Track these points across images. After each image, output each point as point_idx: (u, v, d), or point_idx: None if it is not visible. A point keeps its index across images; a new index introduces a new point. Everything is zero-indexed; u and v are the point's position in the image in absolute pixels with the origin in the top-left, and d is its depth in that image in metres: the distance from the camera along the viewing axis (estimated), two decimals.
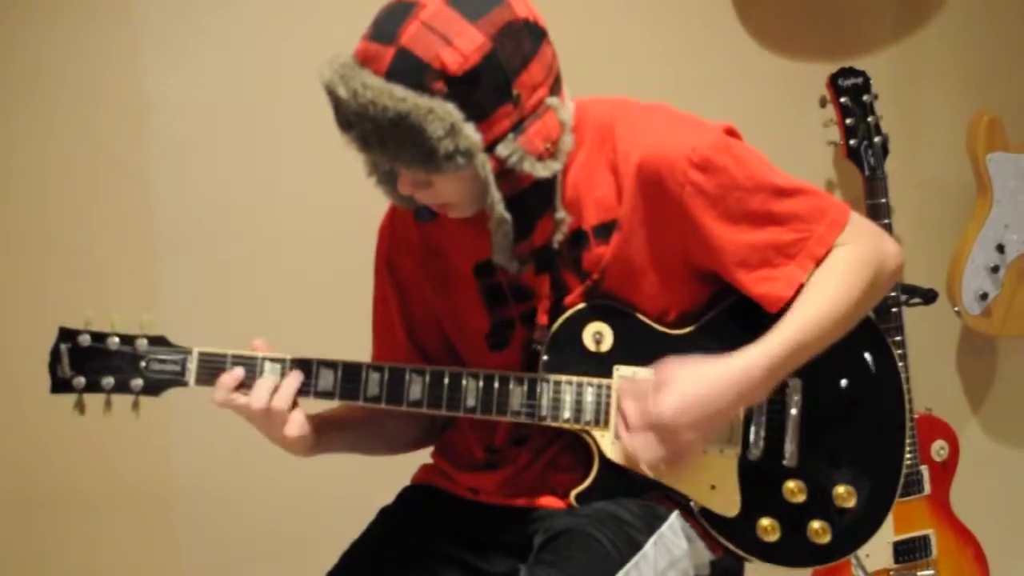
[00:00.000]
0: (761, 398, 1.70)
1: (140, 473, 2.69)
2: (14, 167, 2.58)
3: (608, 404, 1.73)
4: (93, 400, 1.71)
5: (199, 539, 2.73)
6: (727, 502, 1.75)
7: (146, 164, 2.62)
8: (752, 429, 1.76)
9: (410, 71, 1.50)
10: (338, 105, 1.54)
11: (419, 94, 1.50)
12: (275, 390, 1.68)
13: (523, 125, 1.57)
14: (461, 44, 1.51)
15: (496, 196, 1.58)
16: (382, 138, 1.53)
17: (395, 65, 1.51)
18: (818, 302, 1.68)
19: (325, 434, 1.77)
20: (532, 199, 1.64)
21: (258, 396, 1.68)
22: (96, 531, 2.68)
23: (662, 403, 1.61)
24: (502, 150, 1.56)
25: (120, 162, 2.60)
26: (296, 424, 1.70)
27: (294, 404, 1.70)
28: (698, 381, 1.62)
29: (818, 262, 1.70)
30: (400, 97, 1.50)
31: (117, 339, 1.70)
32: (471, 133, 1.52)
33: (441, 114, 1.50)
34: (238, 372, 1.69)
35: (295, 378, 1.70)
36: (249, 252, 2.69)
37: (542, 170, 1.60)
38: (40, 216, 2.60)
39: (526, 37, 1.57)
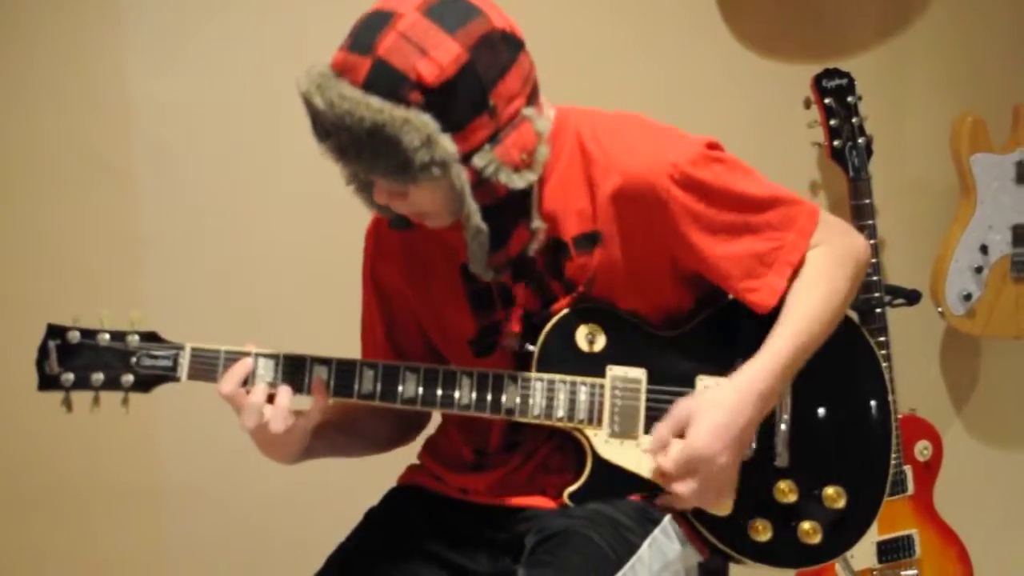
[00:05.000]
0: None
1: (127, 470, 2.67)
2: None
3: (602, 403, 1.73)
4: (81, 397, 1.69)
5: (186, 537, 2.72)
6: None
7: (131, 166, 2.61)
8: None
9: (386, 82, 1.51)
10: (315, 115, 1.55)
11: (395, 105, 1.50)
12: (269, 399, 1.67)
13: (499, 136, 1.57)
14: (438, 55, 1.51)
15: (472, 207, 1.58)
16: (358, 149, 1.53)
17: (372, 76, 1.51)
18: (810, 302, 1.72)
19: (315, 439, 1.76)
20: (508, 209, 1.64)
21: (249, 416, 1.66)
22: (83, 527, 2.67)
23: (693, 440, 1.64)
24: (478, 161, 1.56)
25: (105, 163, 2.59)
26: (293, 445, 1.72)
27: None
28: (718, 407, 1.66)
29: (795, 267, 1.74)
30: (377, 108, 1.50)
31: (108, 335, 1.69)
32: (447, 144, 1.52)
33: (417, 125, 1.50)
34: (248, 363, 1.69)
35: (286, 395, 1.68)
36: (234, 254, 2.68)
37: (518, 181, 1.60)
38: (24, 218, 2.58)
39: (503, 48, 1.57)
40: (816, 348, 1.73)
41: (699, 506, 1.71)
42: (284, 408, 1.67)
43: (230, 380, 1.67)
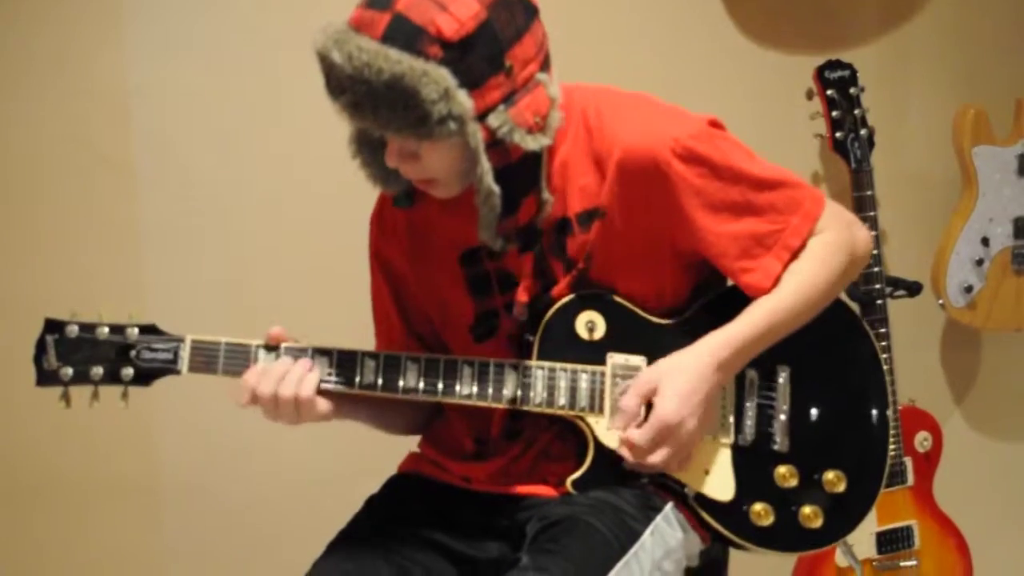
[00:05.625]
0: (736, 372, 1.75)
1: (126, 464, 2.68)
2: None
3: (603, 390, 1.73)
4: (80, 392, 1.69)
5: (185, 529, 2.73)
6: (721, 487, 1.76)
7: (131, 157, 2.60)
8: (744, 415, 1.78)
9: (405, 35, 1.51)
10: (331, 70, 1.54)
11: (414, 57, 1.50)
12: (263, 374, 1.68)
13: (514, 97, 1.58)
14: (457, 11, 1.52)
15: (486, 166, 1.58)
16: (375, 102, 1.52)
17: (390, 29, 1.52)
18: (789, 287, 1.73)
19: (344, 404, 1.76)
20: (519, 175, 1.64)
21: (245, 385, 1.68)
22: (81, 523, 2.68)
23: (662, 408, 1.65)
24: (493, 120, 1.56)
25: (104, 154, 2.58)
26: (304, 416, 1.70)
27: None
28: (680, 376, 1.67)
29: (793, 252, 1.74)
30: (395, 59, 1.50)
31: (106, 328, 1.68)
32: (464, 99, 1.53)
33: (435, 78, 1.50)
34: (260, 366, 1.69)
35: (284, 363, 1.69)
36: (235, 246, 2.68)
37: (531, 143, 1.60)
38: (24, 209, 2.58)
39: (520, 11, 1.58)
40: (793, 328, 1.73)
41: (664, 471, 1.72)
42: (277, 374, 1.67)
43: (244, 392, 1.68)
